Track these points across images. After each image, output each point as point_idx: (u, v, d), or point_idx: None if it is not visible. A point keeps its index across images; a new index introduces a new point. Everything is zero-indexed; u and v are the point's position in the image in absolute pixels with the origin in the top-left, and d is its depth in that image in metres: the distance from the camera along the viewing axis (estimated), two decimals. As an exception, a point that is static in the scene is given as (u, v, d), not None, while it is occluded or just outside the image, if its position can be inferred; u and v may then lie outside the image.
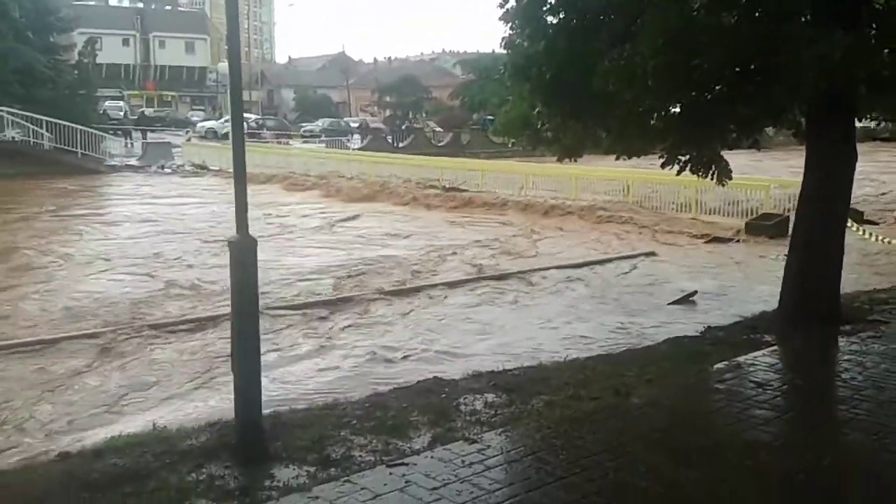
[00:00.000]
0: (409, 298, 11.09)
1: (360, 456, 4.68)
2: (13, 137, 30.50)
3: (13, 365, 8.14)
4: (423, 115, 65.77)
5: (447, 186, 24.20)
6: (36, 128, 30.70)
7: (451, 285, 11.95)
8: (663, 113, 7.52)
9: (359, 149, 42.52)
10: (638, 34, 6.59)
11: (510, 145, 40.23)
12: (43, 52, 37.81)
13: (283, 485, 4.25)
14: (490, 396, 5.79)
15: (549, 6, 7.54)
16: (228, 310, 5.06)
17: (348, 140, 50.85)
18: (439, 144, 46.15)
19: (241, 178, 4.68)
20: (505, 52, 8.03)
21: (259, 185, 24.98)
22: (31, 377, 7.77)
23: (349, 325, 9.73)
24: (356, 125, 63.56)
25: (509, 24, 7.61)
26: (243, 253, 4.61)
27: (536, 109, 8.06)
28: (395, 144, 45.69)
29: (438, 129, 56.05)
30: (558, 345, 8.93)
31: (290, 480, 4.30)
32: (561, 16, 7.62)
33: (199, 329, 9.31)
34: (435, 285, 11.87)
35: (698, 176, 8.32)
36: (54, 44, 41.25)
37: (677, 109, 7.65)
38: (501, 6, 7.50)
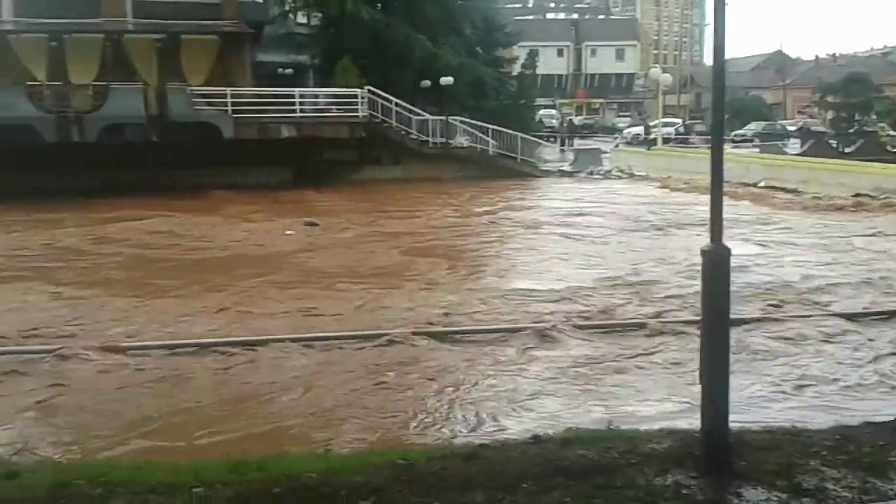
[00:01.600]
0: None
1: (835, 490, 4.30)
2: (462, 143, 34.07)
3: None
4: (874, 116, 58.92)
5: None
6: (482, 135, 33.92)
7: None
8: None
9: (798, 154, 39.69)
10: None
11: None
12: (489, 66, 41.87)
13: (753, 506, 4.07)
14: None
15: None
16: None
17: (783, 145, 47.69)
18: (894, 150, 41.02)
19: (717, 187, 4.58)
20: None
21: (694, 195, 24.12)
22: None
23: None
24: (794, 128, 59.38)
25: None
26: (717, 262, 4.52)
27: None
28: (841, 150, 41.68)
29: (893, 132, 49.85)
30: None
31: (760, 502, 4.10)
32: None
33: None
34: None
35: None
36: (499, 57, 45.45)
37: None
38: None
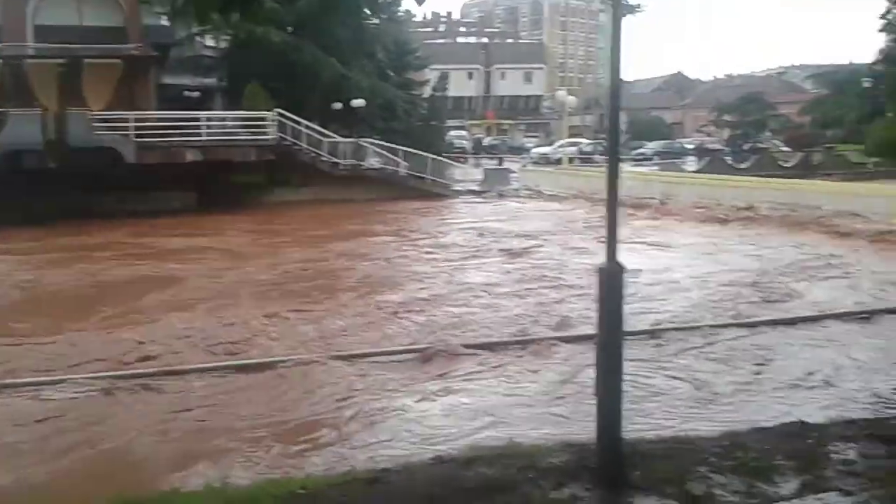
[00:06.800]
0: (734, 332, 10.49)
1: (723, 496, 4.51)
2: (373, 165, 34.12)
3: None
4: (768, 134, 61.82)
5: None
6: (393, 156, 34.03)
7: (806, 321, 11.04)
8: None
9: (695, 171, 41.21)
10: None
11: (871, 166, 36.63)
12: (400, 88, 42.21)
13: (645, 515, 4.23)
14: (866, 446, 5.25)
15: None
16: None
17: (682, 162, 49.49)
18: (786, 165, 43.11)
19: (613, 208, 4.75)
20: (871, 64, 7.32)
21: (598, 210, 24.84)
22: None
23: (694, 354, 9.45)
24: (691, 147, 61.71)
25: (891, 37, 6.87)
26: (611, 279, 4.70)
27: (923, 128, 7.19)
28: (735, 166, 43.53)
29: (785, 148, 52.43)
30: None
31: (652, 512, 4.27)
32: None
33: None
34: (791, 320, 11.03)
35: None
36: (410, 80, 45.85)
37: None
38: (883, 17, 6.80)
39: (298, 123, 30.84)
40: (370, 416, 7.62)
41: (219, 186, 29.42)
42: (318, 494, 4.63)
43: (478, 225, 23.99)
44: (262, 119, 29.99)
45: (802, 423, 5.92)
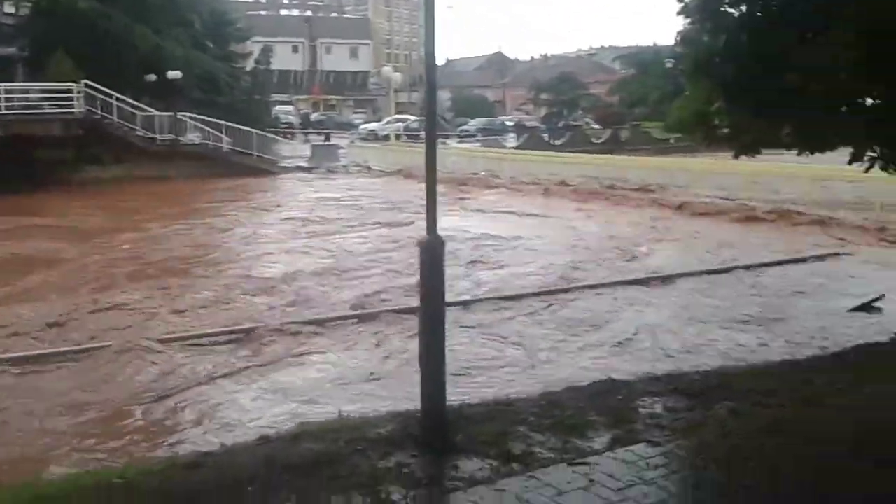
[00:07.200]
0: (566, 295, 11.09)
1: (541, 453, 4.71)
2: (193, 140, 32.74)
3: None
4: (580, 112, 65.03)
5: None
6: (215, 131, 32.81)
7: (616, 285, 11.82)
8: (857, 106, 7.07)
9: (515, 147, 42.64)
10: (831, 27, 6.24)
11: (672, 141, 39.44)
12: (221, 61, 40.59)
13: (468, 476, 4.35)
14: (670, 400, 5.69)
15: (730, -1, 7.28)
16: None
17: (503, 139, 51.07)
18: (597, 142, 45.53)
19: (432, 182, 4.82)
20: (673, 46, 7.87)
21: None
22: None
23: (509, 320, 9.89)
24: (511, 124, 63.75)
25: (688, 20, 7.38)
26: (432, 253, 4.77)
27: (715, 106, 7.79)
28: (552, 142, 45.47)
29: (596, 126, 55.33)
30: (731, 349, 8.66)
31: (475, 473, 4.40)
32: (743, 9, 7.32)
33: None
34: (592, 286, 11.77)
35: (889, 173, 7.74)
36: (232, 52, 44.16)
37: (871, 102, 7.17)
38: (680, 0, 7.28)
39: (109, 96, 29.06)
40: (196, 401, 7.40)
41: (21, 164, 27.13)
42: (137, 483, 4.42)
43: (334, 198, 24.26)
44: (69, 91, 28.00)
45: (612, 380, 6.33)
